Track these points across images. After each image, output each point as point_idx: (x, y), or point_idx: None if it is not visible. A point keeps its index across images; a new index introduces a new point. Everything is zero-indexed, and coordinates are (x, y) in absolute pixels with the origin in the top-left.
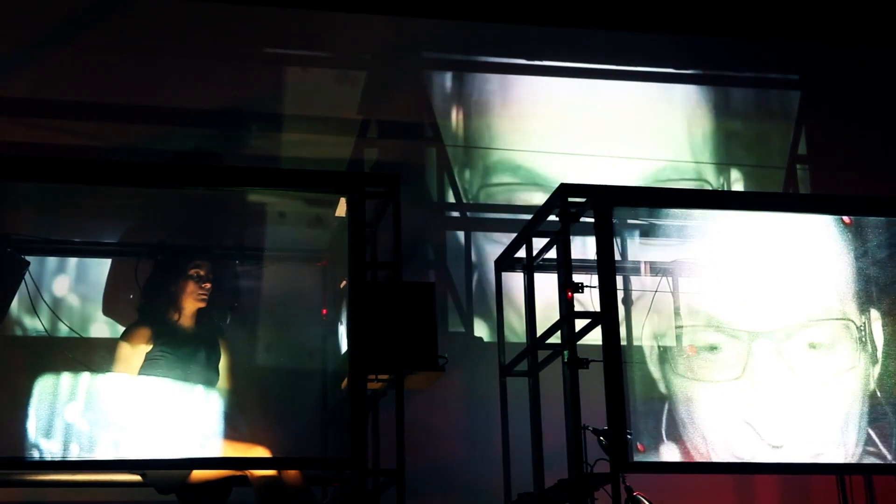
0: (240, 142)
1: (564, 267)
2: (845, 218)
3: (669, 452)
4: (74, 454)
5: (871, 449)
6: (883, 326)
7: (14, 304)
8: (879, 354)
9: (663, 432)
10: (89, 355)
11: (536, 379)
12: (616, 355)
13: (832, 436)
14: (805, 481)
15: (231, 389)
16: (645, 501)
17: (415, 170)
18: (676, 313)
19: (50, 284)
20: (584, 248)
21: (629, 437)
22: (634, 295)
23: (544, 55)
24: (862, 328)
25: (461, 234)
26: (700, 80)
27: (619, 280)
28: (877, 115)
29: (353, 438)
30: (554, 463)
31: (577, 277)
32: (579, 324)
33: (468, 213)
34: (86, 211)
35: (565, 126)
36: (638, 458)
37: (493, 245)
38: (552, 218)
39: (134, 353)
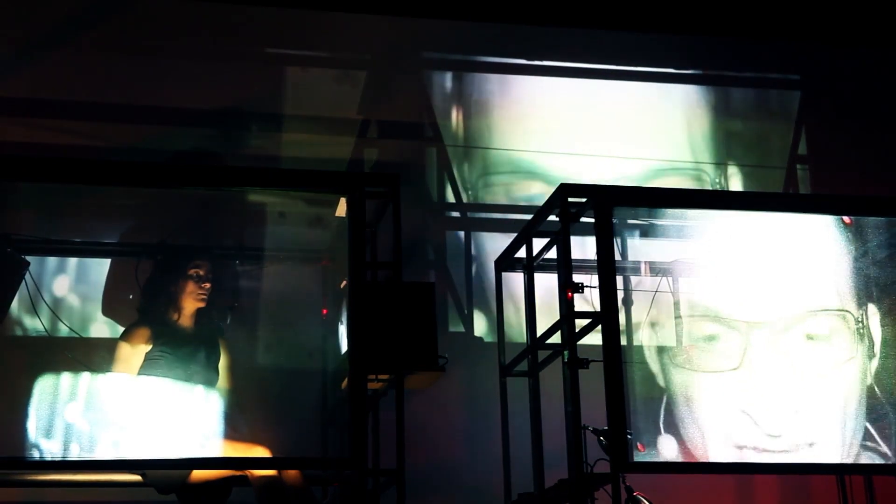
0: (240, 142)
1: (564, 267)
2: (845, 218)
3: (668, 445)
4: (74, 454)
5: (870, 444)
6: (882, 325)
7: (14, 304)
8: (877, 349)
9: (661, 425)
10: (89, 355)
11: (536, 379)
12: (616, 355)
13: (829, 426)
14: (805, 481)
15: (231, 389)
16: (645, 501)
17: (415, 170)
18: (676, 306)
19: (50, 284)
20: (583, 248)
21: (629, 437)
22: (635, 295)
23: (544, 55)
24: (860, 320)
25: (461, 234)
26: (700, 80)
27: (619, 280)
28: (877, 115)
29: (353, 438)
30: (554, 463)
31: (577, 277)
32: (579, 324)
33: (468, 213)
34: (86, 211)
35: (565, 126)
36: (638, 458)
37: (494, 245)
38: (552, 218)
39: (134, 353)
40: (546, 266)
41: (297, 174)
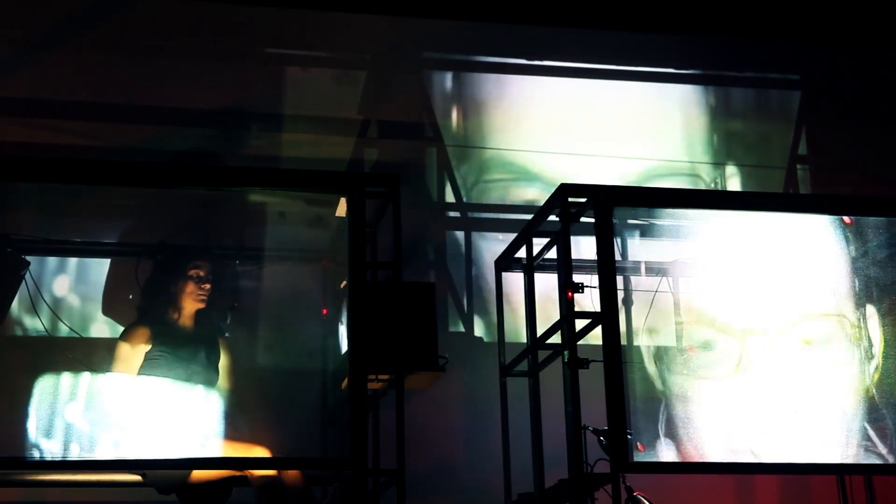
0: (240, 142)
1: (564, 267)
2: (846, 218)
3: (668, 450)
4: (75, 454)
5: (868, 444)
6: (882, 326)
7: (14, 304)
8: (875, 351)
9: (661, 430)
10: (89, 355)
11: (536, 379)
12: (616, 355)
13: (828, 429)
14: (805, 481)
15: (231, 389)
16: (645, 501)
17: (415, 170)
18: (676, 311)
19: (50, 284)
20: (582, 248)
21: (629, 437)
22: (635, 295)
23: (544, 55)
24: (857, 324)
25: (461, 234)
26: (700, 80)
27: (619, 280)
28: (877, 115)
29: (353, 438)
30: (554, 463)
31: (577, 277)
32: (579, 324)
33: (468, 213)
34: (86, 211)
35: (565, 126)
36: (638, 458)
37: (494, 245)
38: (552, 218)
39: (133, 352)
40: (546, 266)
41: (297, 174)
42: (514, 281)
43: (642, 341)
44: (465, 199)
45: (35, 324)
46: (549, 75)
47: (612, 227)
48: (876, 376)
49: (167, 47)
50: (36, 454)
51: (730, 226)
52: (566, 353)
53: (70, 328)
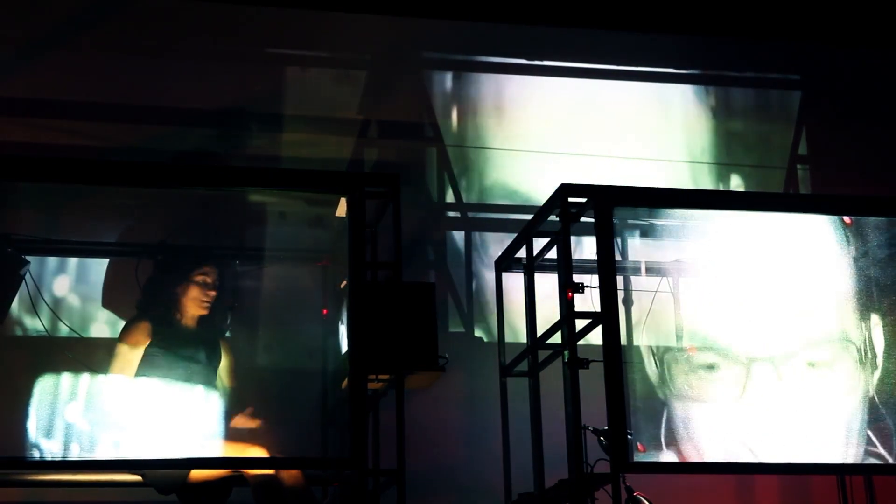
0: (240, 142)
1: (564, 267)
2: (846, 218)
3: (668, 450)
4: (75, 454)
5: (871, 448)
6: (883, 328)
7: (14, 304)
8: (879, 361)
9: (661, 430)
10: (89, 355)
11: (536, 379)
12: (616, 355)
13: (828, 429)
14: (805, 481)
15: (231, 389)
16: (645, 501)
17: (415, 170)
18: (678, 336)
19: (50, 284)
20: (583, 248)
21: (629, 437)
22: (635, 295)
23: (544, 55)
24: (861, 348)
25: (461, 234)
26: (700, 80)
27: (619, 280)
28: (877, 115)
29: (353, 438)
30: (554, 463)
31: (577, 277)
32: (579, 324)
33: (468, 213)
34: (86, 211)
35: (565, 126)
36: (638, 458)
37: (494, 245)
38: (552, 218)
39: (133, 350)
40: (546, 266)
41: (297, 174)
42: (515, 281)
43: (642, 341)
44: (465, 199)
45: (35, 324)
46: (549, 75)
47: (612, 227)
48: (876, 377)
49: (167, 47)
50: (36, 454)
51: (730, 226)
52: (566, 353)
53: (70, 328)
